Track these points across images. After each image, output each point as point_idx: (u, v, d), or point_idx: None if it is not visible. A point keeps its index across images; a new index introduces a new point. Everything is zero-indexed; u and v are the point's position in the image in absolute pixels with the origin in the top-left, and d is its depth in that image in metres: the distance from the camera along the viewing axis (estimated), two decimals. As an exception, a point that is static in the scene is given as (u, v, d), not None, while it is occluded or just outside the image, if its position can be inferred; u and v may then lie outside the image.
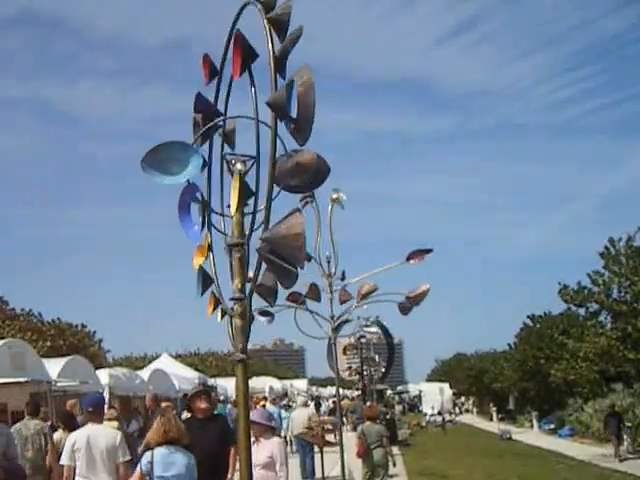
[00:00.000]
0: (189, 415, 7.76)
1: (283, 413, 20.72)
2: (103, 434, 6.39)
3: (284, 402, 25.97)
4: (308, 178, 2.25)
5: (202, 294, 2.73)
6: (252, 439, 6.07)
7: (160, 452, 5.42)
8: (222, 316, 2.65)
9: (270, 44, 2.28)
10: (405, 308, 5.76)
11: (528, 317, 35.87)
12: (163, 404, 16.36)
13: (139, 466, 5.49)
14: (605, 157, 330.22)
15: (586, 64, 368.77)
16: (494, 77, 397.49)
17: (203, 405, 6.66)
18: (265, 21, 2.29)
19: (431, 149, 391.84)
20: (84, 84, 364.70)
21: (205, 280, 2.72)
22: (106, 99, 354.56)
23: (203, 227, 2.69)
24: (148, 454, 5.46)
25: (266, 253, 2.29)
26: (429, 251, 4.03)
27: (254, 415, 6.36)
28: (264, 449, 6.29)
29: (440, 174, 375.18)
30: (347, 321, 8.89)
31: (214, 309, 2.70)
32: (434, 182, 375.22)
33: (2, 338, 19.43)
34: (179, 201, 2.68)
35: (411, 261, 4.07)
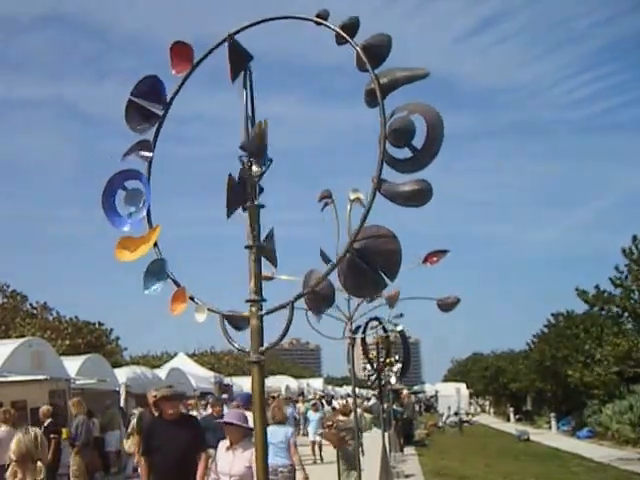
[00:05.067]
0: (157, 415, 7.56)
1: (310, 415, 20.01)
2: None
3: (314, 401, 24.52)
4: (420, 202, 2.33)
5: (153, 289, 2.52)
6: (226, 444, 5.73)
7: None
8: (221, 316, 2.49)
9: (373, 76, 2.27)
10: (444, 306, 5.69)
11: (552, 315, 35.38)
12: (189, 402, 16.55)
13: None
14: (627, 155, 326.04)
15: (606, 62, 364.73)
16: (514, 75, 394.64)
17: (170, 411, 6.41)
18: (360, 49, 2.28)
19: (449, 147, 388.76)
20: (108, 84, 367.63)
21: (161, 272, 2.53)
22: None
23: (146, 220, 2.56)
24: None
25: (359, 262, 2.31)
26: (446, 252, 3.93)
27: (229, 416, 5.95)
28: (241, 458, 5.68)
29: (457, 172, 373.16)
30: (370, 321, 8.85)
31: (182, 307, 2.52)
32: (451, 180, 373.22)
33: (22, 336, 19.65)
34: (106, 187, 2.55)
35: (428, 263, 3.97)
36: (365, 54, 2.30)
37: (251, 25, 2.51)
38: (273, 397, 21.40)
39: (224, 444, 5.78)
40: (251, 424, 6.37)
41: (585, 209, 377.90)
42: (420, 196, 2.31)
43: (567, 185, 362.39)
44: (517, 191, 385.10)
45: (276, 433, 8.27)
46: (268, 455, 2.33)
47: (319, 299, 2.45)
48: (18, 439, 3.74)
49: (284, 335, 2.37)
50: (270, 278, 2.54)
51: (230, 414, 6.13)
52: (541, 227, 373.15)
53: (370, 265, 2.35)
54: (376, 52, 2.31)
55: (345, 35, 2.34)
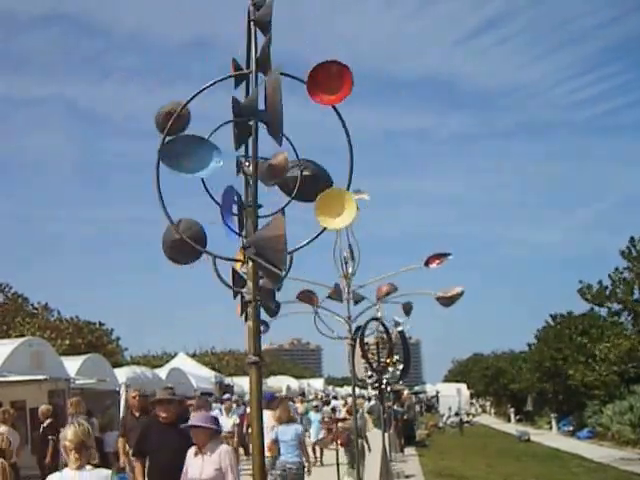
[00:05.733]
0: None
1: (312, 415, 19.44)
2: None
3: (315, 402, 23.24)
4: (285, 180, 2.25)
5: (235, 296, 2.68)
6: (195, 450, 5.58)
7: None
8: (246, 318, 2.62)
9: (254, 47, 2.27)
10: (444, 303, 5.63)
11: (550, 316, 35.33)
12: (189, 402, 16.43)
13: None
14: (627, 156, 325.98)
15: (610, 62, 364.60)
16: (515, 77, 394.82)
17: (163, 414, 6.39)
18: (252, 23, 2.28)
19: (449, 148, 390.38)
20: (109, 83, 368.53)
21: (239, 281, 2.68)
22: (132, 97, 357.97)
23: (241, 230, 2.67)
24: None
25: (252, 255, 2.27)
26: (448, 255, 3.93)
27: (195, 419, 5.82)
28: (210, 462, 5.47)
29: (458, 173, 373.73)
30: (369, 322, 8.86)
31: (243, 311, 2.65)
32: (452, 181, 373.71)
33: (22, 336, 19.64)
34: (222, 202, 2.66)
35: (430, 265, 3.98)
36: (257, 27, 2.29)
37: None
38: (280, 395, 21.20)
39: (193, 450, 5.56)
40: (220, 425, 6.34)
41: (585, 210, 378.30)
42: (272, 171, 2.20)
43: (567, 186, 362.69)
44: (517, 191, 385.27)
45: (286, 432, 8.77)
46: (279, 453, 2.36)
47: (265, 295, 2.53)
48: (75, 430, 4.23)
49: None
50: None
51: (196, 417, 5.98)
52: (541, 228, 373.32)
53: (260, 256, 2.29)
54: (263, 23, 2.28)
55: (256, 18, 2.32)
